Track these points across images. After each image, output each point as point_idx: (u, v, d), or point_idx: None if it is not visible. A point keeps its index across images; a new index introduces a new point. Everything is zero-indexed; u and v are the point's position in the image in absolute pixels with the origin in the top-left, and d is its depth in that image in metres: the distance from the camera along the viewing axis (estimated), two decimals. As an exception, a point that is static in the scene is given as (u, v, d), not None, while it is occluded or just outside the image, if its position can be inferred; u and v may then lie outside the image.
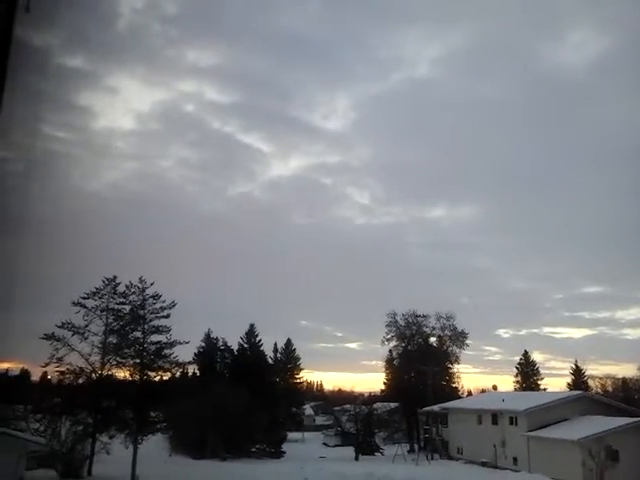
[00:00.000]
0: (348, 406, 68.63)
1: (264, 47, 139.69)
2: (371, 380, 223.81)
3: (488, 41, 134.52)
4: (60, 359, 35.99)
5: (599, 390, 72.92)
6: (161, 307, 39.46)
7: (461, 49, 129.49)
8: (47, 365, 37.00)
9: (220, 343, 74.62)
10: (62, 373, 37.24)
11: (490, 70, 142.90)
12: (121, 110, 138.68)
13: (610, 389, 73.48)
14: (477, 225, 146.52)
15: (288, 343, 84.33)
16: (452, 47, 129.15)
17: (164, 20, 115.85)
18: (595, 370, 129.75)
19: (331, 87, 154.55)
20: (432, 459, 54.32)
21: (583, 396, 48.45)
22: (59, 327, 35.92)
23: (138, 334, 39.15)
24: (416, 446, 62.91)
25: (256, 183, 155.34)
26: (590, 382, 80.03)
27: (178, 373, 44.55)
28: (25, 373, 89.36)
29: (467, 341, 70.80)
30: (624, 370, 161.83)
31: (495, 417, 48.85)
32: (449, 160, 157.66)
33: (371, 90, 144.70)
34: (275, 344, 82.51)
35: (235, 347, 73.67)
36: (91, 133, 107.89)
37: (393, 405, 71.72)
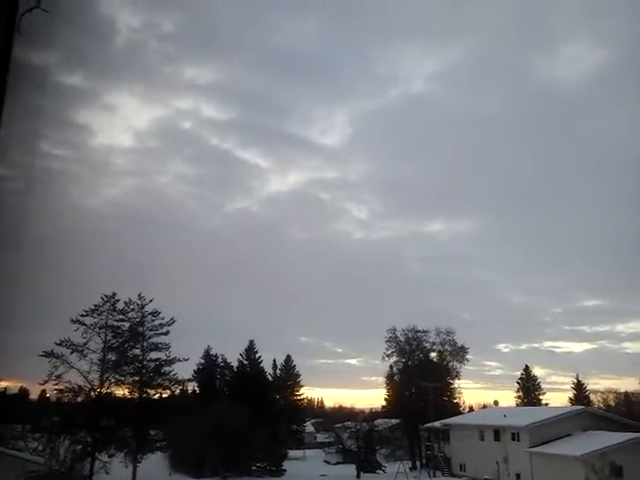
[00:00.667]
0: (349, 423, 68.06)
1: (261, 63, 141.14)
2: (372, 396, 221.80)
3: (485, 56, 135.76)
4: (59, 377, 35.85)
5: (601, 405, 72.40)
6: (160, 324, 39.45)
7: (458, 64, 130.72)
8: (46, 383, 36.89)
9: (220, 360, 74.24)
10: (61, 391, 37.07)
11: (487, 85, 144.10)
12: (119, 127, 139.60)
13: (612, 403, 72.93)
14: (476, 239, 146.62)
15: (288, 360, 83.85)
16: (449, 63, 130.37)
17: (161, 38, 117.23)
18: (597, 384, 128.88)
19: (328, 103, 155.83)
20: (434, 476, 53.82)
21: (585, 411, 48.12)
22: (58, 345, 35.82)
23: (137, 351, 39.09)
24: (418, 463, 62.34)
25: (254, 199, 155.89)
26: (592, 397, 79.51)
27: (177, 391, 44.46)
28: (24, 392, 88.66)
29: (467, 356, 70.70)
30: (626, 384, 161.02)
31: (497, 433, 48.48)
32: (447, 174, 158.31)
33: (368, 106, 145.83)
34: (274, 361, 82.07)
35: (235, 364, 73.31)
36: (90, 150, 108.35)
37: (394, 422, 71.17)
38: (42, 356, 35.33)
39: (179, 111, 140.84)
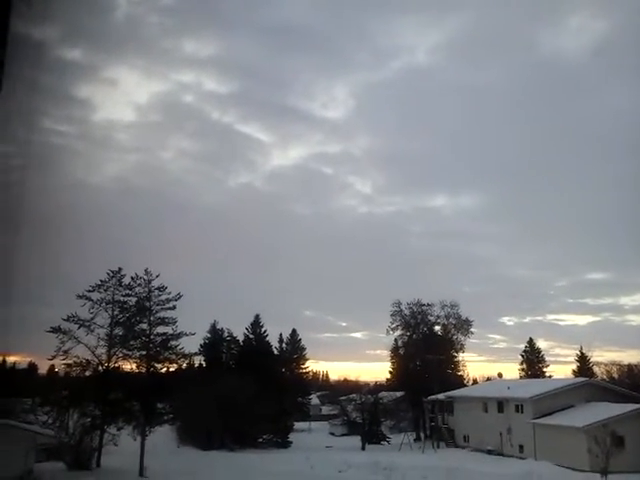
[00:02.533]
0: (354, 395, 68.77)
1: (262, 36, 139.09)
2: (376, 369, 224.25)
3: (486, 28, 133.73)
4: (67, 352, 36.20)
5: (604, 377, 72.76)
6: (167, 299, 39.58)
7: (459, 36, 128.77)
8: (54, 358, 37.25)
9: (226, 334, 74.78)
10: (69, 366, 37.48)
11: (489, 57, 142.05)
12: (120, 102, 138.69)
13: (615, 376, 73.25)
14: (479, 213, 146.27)
15: (293, 333, 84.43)
16: (450, 34, 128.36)
17: (161, 11, 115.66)
18: (600, 357, 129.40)
19: (330, 75, 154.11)
20: (438, 447, 54.54)
21: (588, 383, 48.49)
22: (65, 320, 36.08)
23: (144, 326, 39.32)
24: (422, 435, 63.13)
25: (257, 173, 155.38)
26: (595, 369, 79.90)
27: (184, 364, 44.78)
28: (32, 366, 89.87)
29: (472, 329, 71.00)
30: (629, 356, 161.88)
31: (501, 405, 48.95)
32: (450, 148, 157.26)
33: (370, 78, 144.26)
34: (280, 334, 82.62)
35: (241, 338, 73.88)
36: (91, 126, 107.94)
37: (399, 394, 71.86)
38: (50, 332, 35.68)
39: (180, 85, 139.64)
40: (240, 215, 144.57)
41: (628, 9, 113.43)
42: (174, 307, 39.58)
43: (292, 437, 62.86)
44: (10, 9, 2.68)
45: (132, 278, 39.17)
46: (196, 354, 51.91)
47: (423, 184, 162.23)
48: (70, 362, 36.91)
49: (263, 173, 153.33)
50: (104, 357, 37.92)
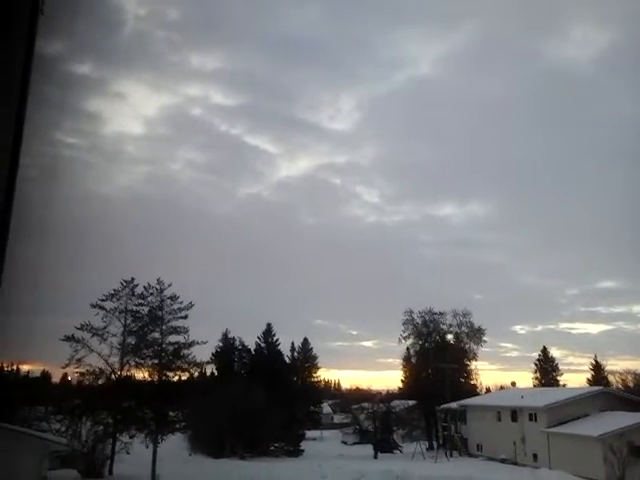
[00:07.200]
0: (366, 404, 68.50)
1: (267, 49, 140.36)
2: (388, 378, 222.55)
3: (490, 39, 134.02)
4: (80, 360, 36.49)
5: (620, 386, 71.89)
6: (179, 308, 39.76)
7: (463, 47, 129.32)
8: (67, 366, 37.53)
9: (237, 343, 74.97)
10: (82, 374, 37.72)
11: (495, 67, 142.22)
12: (129, 115, 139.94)
13: (631, 384, 72.39)
14: (489, 221, 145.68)
15: (305, 342, 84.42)
16: (454, 46, 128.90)
17: (168, 25, 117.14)
18: (615, 365, 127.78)
19: (335, 87, 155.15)
20: (451, 456, 54.08)
21: (603, 392, 47.90)
22: (78, 329, 36.40)
23: (156, 335, 39.50)
24: (435, 443, 62.66)
25: (265, 184, 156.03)
26: (610, 378, 79.02)
27: (196, 373, 44.83)
28: (46, 375, 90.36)
29: (484, 337, 70.47)
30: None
31: (514, 414, 48.52)
32: (458, 157, 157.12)
33: (375, 89, 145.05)
34: (292, 343, 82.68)
35: (252, 347, 73.98)
36: (101, 138, 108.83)
37: (411, 403, 71.47)
38: (63, 340, 35.98)
39: (188, 98, 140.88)
40: (249, 225, 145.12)
41: (631, 19, 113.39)
42: (186, 316, 39.75)
43: (304, 445, 62.66)
44: (36, 27, 2.77)
45: (145, 287, 39.44)
46: (208, 363, 51.94)
47: (431, 193, 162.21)
48: (83, 370, 37.21)
49: (271, 184, 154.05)
50: (117, 366, 38.17)
